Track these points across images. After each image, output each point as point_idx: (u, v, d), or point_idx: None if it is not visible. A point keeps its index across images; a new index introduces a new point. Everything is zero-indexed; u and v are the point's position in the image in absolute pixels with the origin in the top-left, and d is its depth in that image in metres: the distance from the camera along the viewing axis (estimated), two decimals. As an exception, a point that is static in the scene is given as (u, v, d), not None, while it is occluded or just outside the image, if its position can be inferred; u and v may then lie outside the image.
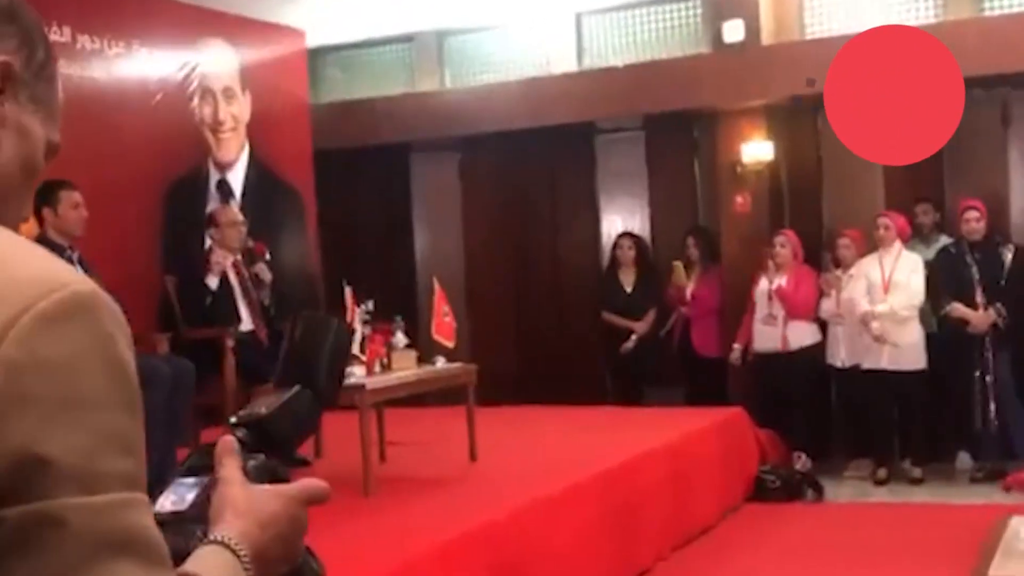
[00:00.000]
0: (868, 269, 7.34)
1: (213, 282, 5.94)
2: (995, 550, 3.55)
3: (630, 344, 8.26)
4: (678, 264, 8.17)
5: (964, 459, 7.47)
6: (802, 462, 7.42)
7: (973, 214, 7.17)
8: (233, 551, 0.99)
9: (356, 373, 5.25)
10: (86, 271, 5.41)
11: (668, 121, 8.51)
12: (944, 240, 7.52)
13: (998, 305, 7.02)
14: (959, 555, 4.58)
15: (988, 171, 7.84)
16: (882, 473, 7.31)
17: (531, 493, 4.87)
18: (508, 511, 4.58)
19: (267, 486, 1.07)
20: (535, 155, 9.03)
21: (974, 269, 7.11)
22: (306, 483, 1.10)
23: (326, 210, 8.64)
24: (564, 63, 8.78)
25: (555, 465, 5.57)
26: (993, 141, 7.49)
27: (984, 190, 7.59)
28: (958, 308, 7.09)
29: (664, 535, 5.76)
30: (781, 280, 7.59)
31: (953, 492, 6.97)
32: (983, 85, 7.27)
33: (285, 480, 1.11)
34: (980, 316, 7.05)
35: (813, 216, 8.37)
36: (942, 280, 7.17)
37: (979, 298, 7.07)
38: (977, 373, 7.06)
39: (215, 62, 7.64)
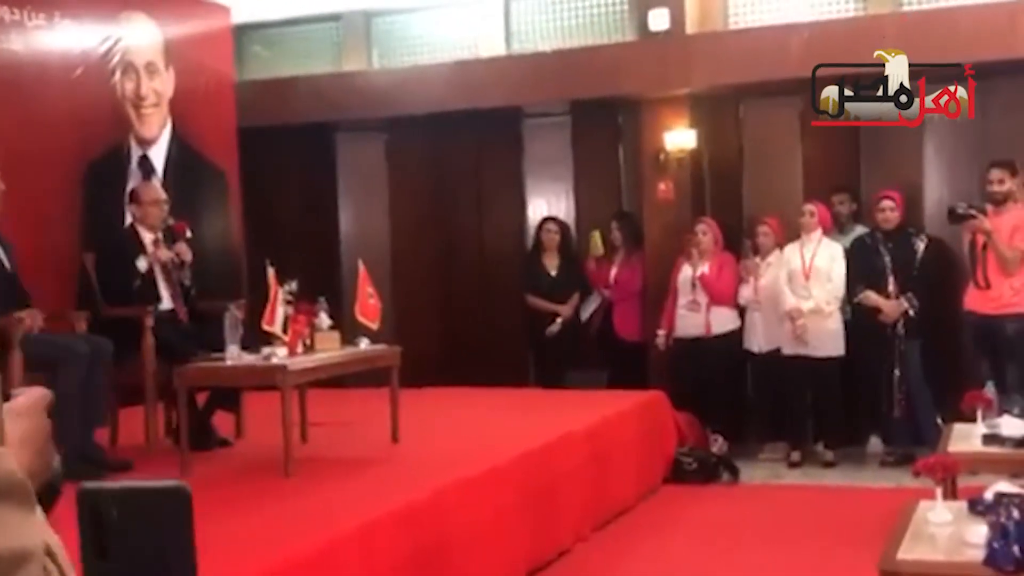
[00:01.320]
0: (790, 256, 7.48)
1: (143, 264, 5.82)
2: (904, 533, 3.65)
3: (555, 327, 8.33)
4: (596, 233, 8.28)
5: (875, 444, 7.65)
6: (719, 445, 7.55)
7: (888, 203, 7.34)
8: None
9: (278, 353, 5.24)
10: (3, 247, 5.33)
11: (594, 107, 8.57)
12: (860, 230, 7.69)
13: (909, 295, 7.21)
14: (869, 537, 4.69)
15: (904, 163, 8.02)
16: (796, 456, 7.48)
17: (453, 474, 4.90)
18: (429, 492, 4.60)
19: (3, 406, 1.05)
20: (462, 138, 9.03)
21: (887, 259, 7.28)
22: (34, 392, 1.09)
23: (250, 189, 8.55)
24: (492, 47, 8.78)
25: (477, 447, 5.61)
26: (909, 133, 7.66)
27: (900, 181, 7.77)
28: (870, 296, 7.27)
29: (584, 516, 5.84)
30: (704, 267, 7.70)
31: (864, 476, 7.15)
32: (900, 78, 7.42)
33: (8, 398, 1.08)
34: (892, 305, 7.22)
35: (733, 204, 8.50)
36: (856, 269, 7.34)
37: (891, 287, 7.25)
38: (888, 361, 7.25)
39: (138, 36, 7.50)
